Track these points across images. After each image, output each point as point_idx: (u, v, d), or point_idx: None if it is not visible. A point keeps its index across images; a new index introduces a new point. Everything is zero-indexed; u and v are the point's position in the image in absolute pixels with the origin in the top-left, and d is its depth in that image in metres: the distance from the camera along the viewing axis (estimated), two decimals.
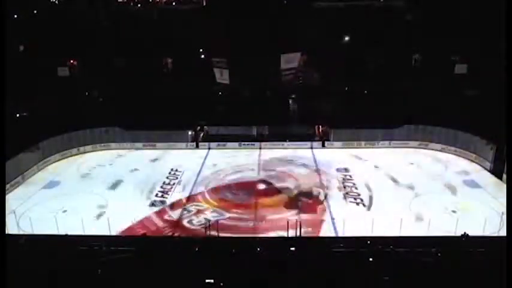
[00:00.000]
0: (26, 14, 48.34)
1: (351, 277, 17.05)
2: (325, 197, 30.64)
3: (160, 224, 27.34)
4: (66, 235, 21.87)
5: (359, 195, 30.75)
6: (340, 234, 24.94)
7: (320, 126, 42.60)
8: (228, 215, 28.19)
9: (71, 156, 39.42)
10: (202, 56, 48.46)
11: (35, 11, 50.06)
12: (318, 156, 39.14)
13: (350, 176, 34.24)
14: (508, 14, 25.23)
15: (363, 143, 40.96)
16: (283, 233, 23.95)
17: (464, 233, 22.13)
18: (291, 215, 26.96)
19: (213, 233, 24.02)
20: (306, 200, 30.10)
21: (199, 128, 43.66)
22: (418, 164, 36.40)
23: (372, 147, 40.60)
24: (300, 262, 18.56)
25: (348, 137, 41.32)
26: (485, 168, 34.55)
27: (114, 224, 25.17)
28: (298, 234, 23.50)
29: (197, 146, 42.26)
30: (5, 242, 16.65)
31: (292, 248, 20.03)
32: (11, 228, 24.26)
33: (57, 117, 38.59)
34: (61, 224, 25.08)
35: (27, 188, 32.92)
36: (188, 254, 19.63)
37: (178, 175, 35.08)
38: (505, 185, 30.60)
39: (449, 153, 38.32)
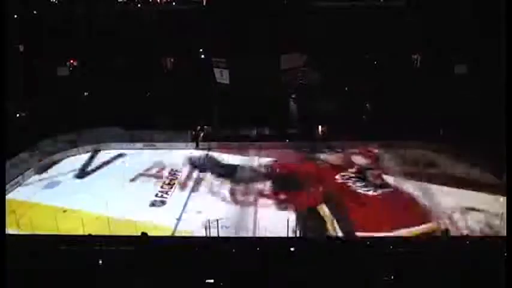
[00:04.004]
0: (26, 14, 48.29)
1: (351, 277, 17.07)
2: None
3: None
4: (66, 235, 21.89)
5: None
6: (340, 234, 24.98)
7: (320, 126, 42.56)
8: None
9: (71, 156, 39.40)
10: (202, 56, 48.49)
11: (35, 11, 50.03)
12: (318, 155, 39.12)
13: (349, 176, 34.32)
14: (508, 14, 25.22)
15: (362, 143, 40.93)
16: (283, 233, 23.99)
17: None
18: None
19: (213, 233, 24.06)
20: None
21: (199, 128, 43.64)
22: (418, 164, 36.35)
23: (372, 147, 40.54)
24: (300, 262, 18.57)
25: (346, 136, 41.28)
26: (486, 169, 34.51)
27: (114, 224, 25.17)
28: (298, 234, 23.53)
29: (197, 146, 42.27)
30: (5, 242, 16.64)
31: (292, 248, 20.06)
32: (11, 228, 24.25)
33: (57, 117, 38.58)
34: (61, 224, 25.10)
35: (27, 188, 32.97)
36: (188, 254, 19.64)
37: (179, 175, 35.12)
38: (505, 185, 30.54)
39: (448, 153, 38.30)
